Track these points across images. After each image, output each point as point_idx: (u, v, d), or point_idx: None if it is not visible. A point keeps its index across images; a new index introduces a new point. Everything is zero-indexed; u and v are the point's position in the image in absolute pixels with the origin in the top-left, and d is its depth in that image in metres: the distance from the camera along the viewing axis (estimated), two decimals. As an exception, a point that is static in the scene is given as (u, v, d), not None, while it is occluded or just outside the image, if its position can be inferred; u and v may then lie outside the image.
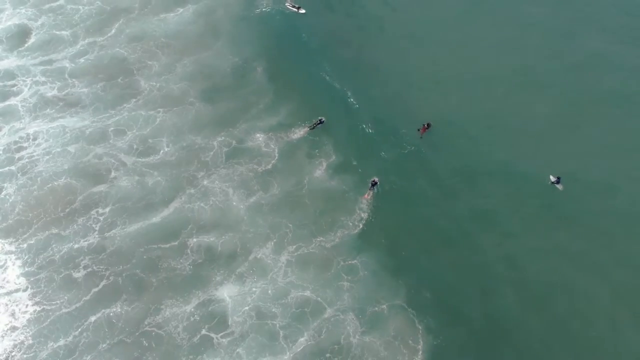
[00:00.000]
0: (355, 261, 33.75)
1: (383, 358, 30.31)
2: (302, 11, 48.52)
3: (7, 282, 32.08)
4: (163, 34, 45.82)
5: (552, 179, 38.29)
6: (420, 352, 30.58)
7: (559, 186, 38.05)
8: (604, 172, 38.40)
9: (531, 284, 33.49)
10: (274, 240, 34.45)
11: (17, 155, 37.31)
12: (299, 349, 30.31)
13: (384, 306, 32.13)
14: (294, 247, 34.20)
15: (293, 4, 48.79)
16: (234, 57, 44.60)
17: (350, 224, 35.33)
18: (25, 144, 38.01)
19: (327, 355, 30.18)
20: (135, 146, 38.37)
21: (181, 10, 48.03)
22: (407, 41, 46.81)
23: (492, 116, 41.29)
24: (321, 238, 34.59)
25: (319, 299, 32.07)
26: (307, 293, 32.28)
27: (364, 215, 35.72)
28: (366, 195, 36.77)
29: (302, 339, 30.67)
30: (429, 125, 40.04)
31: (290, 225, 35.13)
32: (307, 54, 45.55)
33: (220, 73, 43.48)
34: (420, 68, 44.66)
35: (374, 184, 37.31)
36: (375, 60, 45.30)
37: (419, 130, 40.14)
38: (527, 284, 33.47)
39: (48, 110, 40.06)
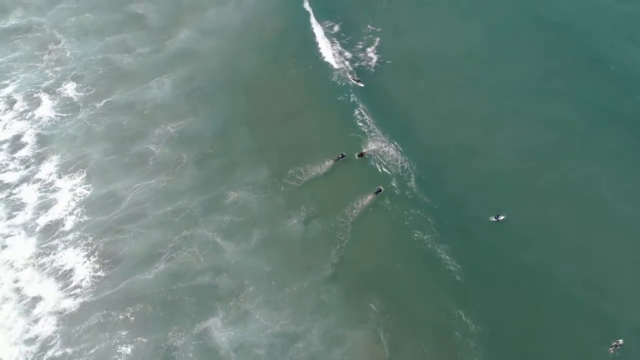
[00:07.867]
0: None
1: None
2: (361, 85, 54.06)
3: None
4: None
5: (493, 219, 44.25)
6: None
7: (501, 218, 44.37)
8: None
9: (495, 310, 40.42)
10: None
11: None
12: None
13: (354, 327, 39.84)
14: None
15: (354, 77, 54.48)
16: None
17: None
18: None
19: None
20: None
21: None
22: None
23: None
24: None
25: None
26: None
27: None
28: (370, 197, 44.45)
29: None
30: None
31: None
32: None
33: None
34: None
35: (379, 191, 44.68)
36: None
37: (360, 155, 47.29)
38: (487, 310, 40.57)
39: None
